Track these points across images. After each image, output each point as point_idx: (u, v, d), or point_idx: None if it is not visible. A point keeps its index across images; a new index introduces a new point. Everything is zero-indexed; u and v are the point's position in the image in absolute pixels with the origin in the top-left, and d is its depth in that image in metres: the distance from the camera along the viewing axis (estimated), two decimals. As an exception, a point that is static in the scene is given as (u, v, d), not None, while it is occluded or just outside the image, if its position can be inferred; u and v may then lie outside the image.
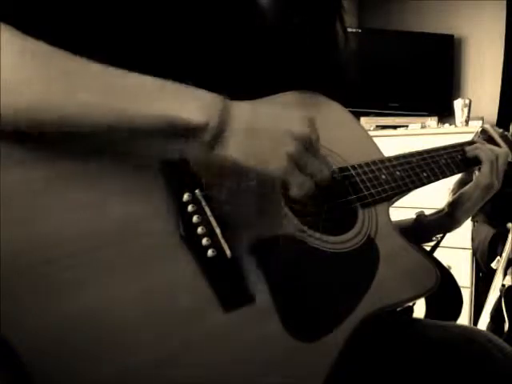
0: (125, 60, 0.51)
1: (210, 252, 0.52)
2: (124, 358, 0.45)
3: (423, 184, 0.80)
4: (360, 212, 0.70)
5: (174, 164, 0.53)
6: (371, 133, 2.59)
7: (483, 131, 0.96)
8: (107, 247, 0.47)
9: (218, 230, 0.53)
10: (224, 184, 0.54)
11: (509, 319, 1.35)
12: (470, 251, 2.23)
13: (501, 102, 2.61)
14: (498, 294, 1.43)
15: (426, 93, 2.84)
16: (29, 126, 0.45)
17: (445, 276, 0.89)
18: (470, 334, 0.69)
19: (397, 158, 0.79)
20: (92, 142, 0.48)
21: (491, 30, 2.75)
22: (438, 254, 0.90)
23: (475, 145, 0.90)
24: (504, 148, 0.92)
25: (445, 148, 0.88)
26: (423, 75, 2.83)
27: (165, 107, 0.48)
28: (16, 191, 0.44)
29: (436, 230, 0.92)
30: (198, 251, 0.52)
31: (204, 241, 0.52)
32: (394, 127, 2.72)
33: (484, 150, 0.88)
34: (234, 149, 0.50)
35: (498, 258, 1.58)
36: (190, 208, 0.53)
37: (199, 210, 0.53)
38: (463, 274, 2.27)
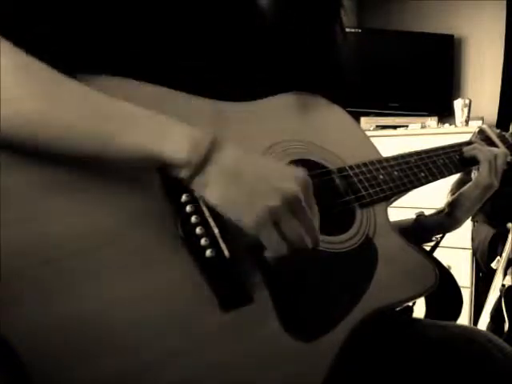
0: (124, 60, 0.51)
1: (208, 252, 0.52)
2: (124, 358, 0.45)
3: (421, 184, 0.80)
4: (358, 212, 0.70)
5: None
6: (371, 133, 2.60)
7: (481, 131, 0.96)
8: (106, 248, 0.47)
9: (216, 231, 0.53)
10: None
11: (509, 319, 1.35)
12: (470, 251, 2.23)
13: (501, 102, 2.61)
14: (498, 293, 1.43)
15: (426, 93, 2.83)
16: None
17: (445, 276, 0.89)
18: (470, 334, 0.69)
19: (395, 158, 0.79)
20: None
21: (491, 30, 2.75)
22: (438, 254, 0.90)
23: (473, 145, 0.90)
24: (502, 148, 0.92)
25: (443, 148, 0.88)
26: (423, 75, 2.83)
27: (150, 142, 0.47)
28: (16, 192, 0.44)
29: (436, 231, 0.92)
30: (196, 251, 0.52)
31: (202, 241, 0.52)
32: (394, 127, 2.72)
33: (481, 150, 0.88)
34: (210, 192, 0.49)
35: (498, 257, 1.58)
36: (188, 208, 0.53)
37: (197, 211, 0.53)
38: (463, 274, 2.27)
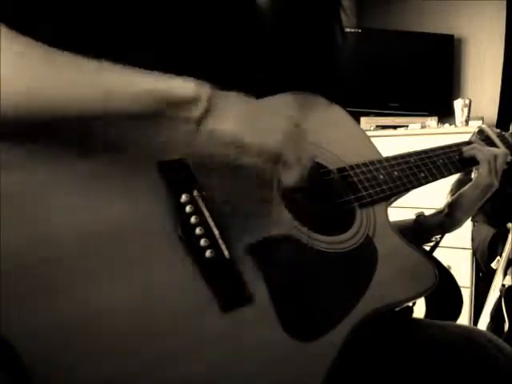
0: (124, 61, 0.51)
1: (208, 253, 0.52)
2: (123, 358, 0.45)
3: (421, 184, 0.80)
4: (358, 212, 0.70)
5: (172, 165, 0.54)
6: (371, 133, 2.60)
7: (481, 131, 0.97)
8: (106, 248, 0.47)
9: (216, 231, 0.53)
10: (221, 183, 0.54)
11: (509, 319, 1.35)
12: (470, 251, 2.23)
13: (501, 102, 2.61)
14: (498, 293, 1.43)
15: (426, 93, 2.83)
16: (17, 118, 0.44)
17: (445, 276, 0.89)
18: (469, 334, 0.69)
19: (395, 158, 0.79)
20: (88, 142, 0.48)
21: (491, 30, 2.75)
22: (438, 254, 0.90)
23: (472, 145, 0.90)
24: (502, 148, 0.92)
25: (442, 148, 0.88)
26: (423, 75, 2.83)
27: (152, 83, 0.48)
28: (16, 192, 0.44)
29: (436, 231, 0.92)
30: (196, 252, 0.52)
31: (202, 242, 0.52)
32: (394, 127, 2.72)
33: (481, 150, 0.88)
34: (227, 122, 0.50)
35: (498, 257, 1.58)
36: (187, 209, 0.53)
37: (197, 211, 0.53)
38: (463, 274, 2.27)
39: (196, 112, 0.49)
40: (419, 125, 2.64)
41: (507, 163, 0.91)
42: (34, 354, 0.41)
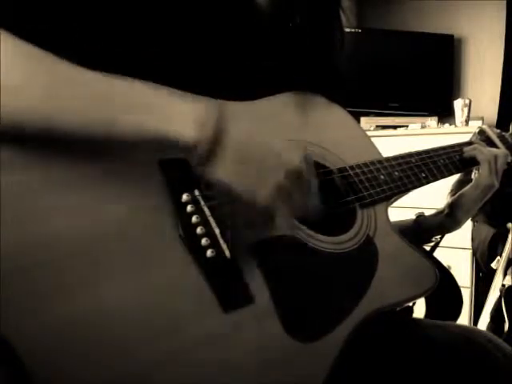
0: (125, 59, 0.51)
1: (209, 252, 0.52)
2: (124, 358, 0.45)
3: (422, 184, 0.80)
4: (359, 212, 0.70)
5: (173, 164, 0.54)
6: (371, 133, 2.60)
7: (481, 132, 0.97)
8: (106, 248, 0.47)
9: (217, 231, 0.53)
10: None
11: (509, 319, 1.35)
12: (470, 251, 2.23)
13: (501, 102, 2.61)
14: (498, 293, 1.43)
15: (426, 93, 2.84)
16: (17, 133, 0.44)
17: (445, 276, 0.89)
18: (469, 333, 0.69)
19: (395, 158, 0.79)
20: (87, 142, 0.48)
21: (491, 30, 2.75)
22: (438, 254, 0.90)
23: (473, 145, 0.91)
24: (502, 149, 0.93)
25: (443, 148, 0.88)
26: (423, 75, 2.83)
27: (155, 123, 0.47)
28: (14, 193, 0.44)
29: (436, 231, 0.92)
30: (197, 251, 0.52)
31: (203, 241, 0.52)
32: (394, 127, 2.72)
33: (481, 151, 0.88)
34: (223, 171, 0.49)
35: (498, 257, 1.58)
36: (189, 208, 0.53)
37: (198, 211, 0.53)
38: (463, 274, 2.27)
39: (196, 153, 0.48)
40: (419, 125, 2.64)
41: (507, 164, 0.91)
42: (35, 355, 0.41)
